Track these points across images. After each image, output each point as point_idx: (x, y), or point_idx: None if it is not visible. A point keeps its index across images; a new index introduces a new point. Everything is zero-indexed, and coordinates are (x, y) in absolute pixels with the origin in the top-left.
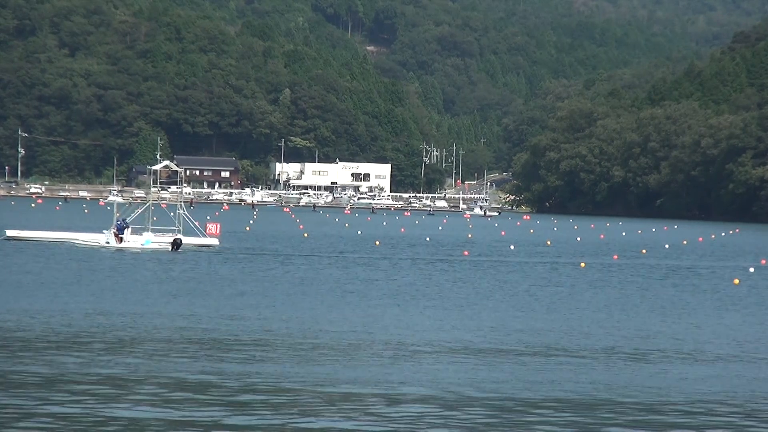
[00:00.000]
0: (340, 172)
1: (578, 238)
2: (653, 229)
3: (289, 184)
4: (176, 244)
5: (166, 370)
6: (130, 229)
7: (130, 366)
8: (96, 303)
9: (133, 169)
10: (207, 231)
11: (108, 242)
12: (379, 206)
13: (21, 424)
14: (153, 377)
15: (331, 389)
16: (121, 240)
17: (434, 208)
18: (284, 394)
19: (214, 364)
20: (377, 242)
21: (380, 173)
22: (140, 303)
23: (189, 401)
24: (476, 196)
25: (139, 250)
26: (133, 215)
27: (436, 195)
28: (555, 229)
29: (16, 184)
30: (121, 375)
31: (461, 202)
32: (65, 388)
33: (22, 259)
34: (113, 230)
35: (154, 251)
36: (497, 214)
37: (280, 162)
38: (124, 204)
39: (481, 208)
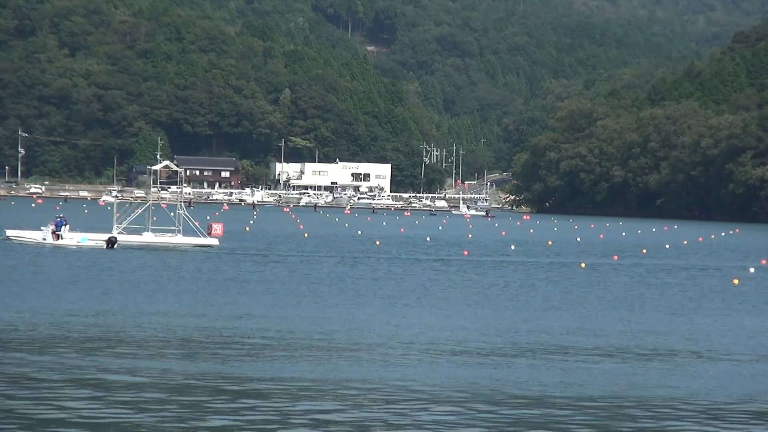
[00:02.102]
0: (340, 172)
1: (578, 239)
2: (653, 229)
3: (289, 184)
4: (111, 242)
5: (171, 369)
6: (68, 226)
7: (135, 365)
8: (98, 303)
9: (133, 169)
10: (212, 231)
11: (45, 239)
12: (379, 206)
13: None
14: (157, 377)
15: (338, 387)
16: (58, 237)
17: (435, 208)
18: (291, 394)
19: (223, 363)
20: (377, 242)
21: (380, 173)
22: (144, 304)
23: (196, 401)
24: (475, 196)
25: (75, 248)
26: (133, 215)
27: (436, 195)
28: (555, 229)
29: (16, 184)
30: (125, 374)
31: (461, 202)
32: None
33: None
34: (51, 227)
35: (91, 249)
36: (484, 213)
37: (280, 162)
38: (124, 204)
39: (468, 208)
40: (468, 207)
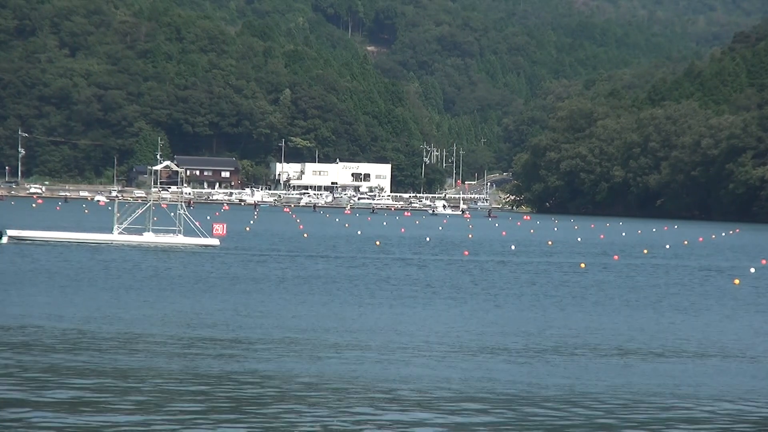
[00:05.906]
0: (340, 172)
1: (579, 239)
2: (653, 230)
3: (289, 184)
4: None
5: (173, 368)
6: None
7: (136, 364)
8: (103, 302)
9: (134, 169)
10: (214, 231)
11: None
12: (379, 206)
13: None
14: (158, 376)
15: (345, 386)
16: None
17: (435, 208)
18: (298, 393)
19: (231, 363)
20: (377, 242)
21: (380, 173)
22: (146, 304)
23: (201, 399)
24: (476, 196)
25: None
26: (134, 215)
27: (437, 195)
28: (555, 229)
29: (17, 184)
30: (127, 373)
31: (461, 202)
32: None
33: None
34: None
35: None
36: (462, 212)
37: (281, 162)
38: (124, 203)
39: (444, 207)
40: (444, 206)
